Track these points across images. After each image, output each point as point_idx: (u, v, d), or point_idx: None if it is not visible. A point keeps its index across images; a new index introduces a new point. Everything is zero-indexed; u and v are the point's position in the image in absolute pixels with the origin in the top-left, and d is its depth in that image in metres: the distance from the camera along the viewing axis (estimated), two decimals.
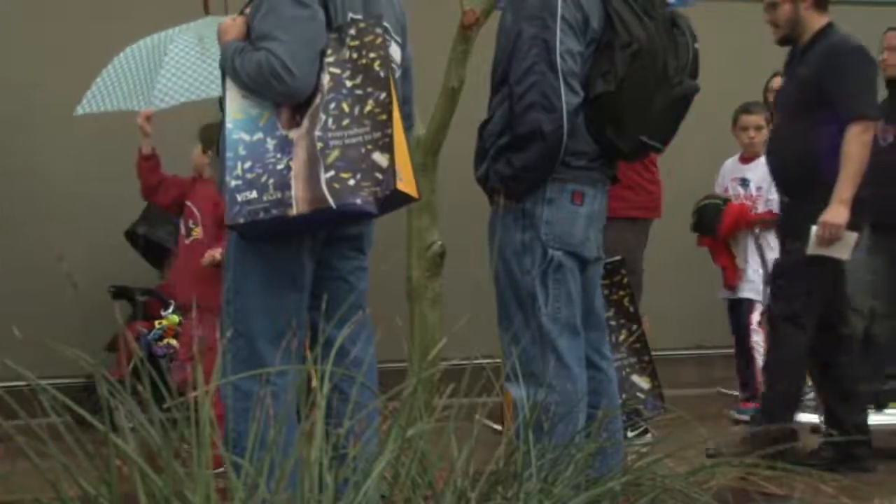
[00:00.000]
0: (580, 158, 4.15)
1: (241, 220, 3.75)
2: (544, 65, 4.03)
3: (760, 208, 7.80)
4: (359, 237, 4.12)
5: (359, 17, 3.92)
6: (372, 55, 3.81)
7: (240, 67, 3.81)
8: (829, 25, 6.03)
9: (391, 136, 3.75)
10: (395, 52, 4.12)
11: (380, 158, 3.73)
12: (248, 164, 3.78)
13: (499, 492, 3.25)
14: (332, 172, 3.73)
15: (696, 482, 3.55)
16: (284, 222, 3.75)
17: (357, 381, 3.52)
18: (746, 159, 7.95)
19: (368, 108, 3.78)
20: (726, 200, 7.85)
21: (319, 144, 3.76)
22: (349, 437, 3.05)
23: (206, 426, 2.82)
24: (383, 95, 3.78)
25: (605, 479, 3.56)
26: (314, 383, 3.05)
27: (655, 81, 4.15)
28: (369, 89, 3.79)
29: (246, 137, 3.80)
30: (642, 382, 6.13)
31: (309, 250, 3.96)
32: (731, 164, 8.07)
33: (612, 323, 6.09)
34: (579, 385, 4.11)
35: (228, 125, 3.82)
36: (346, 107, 3.79)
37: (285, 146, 3.78)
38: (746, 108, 7.94)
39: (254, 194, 3.75)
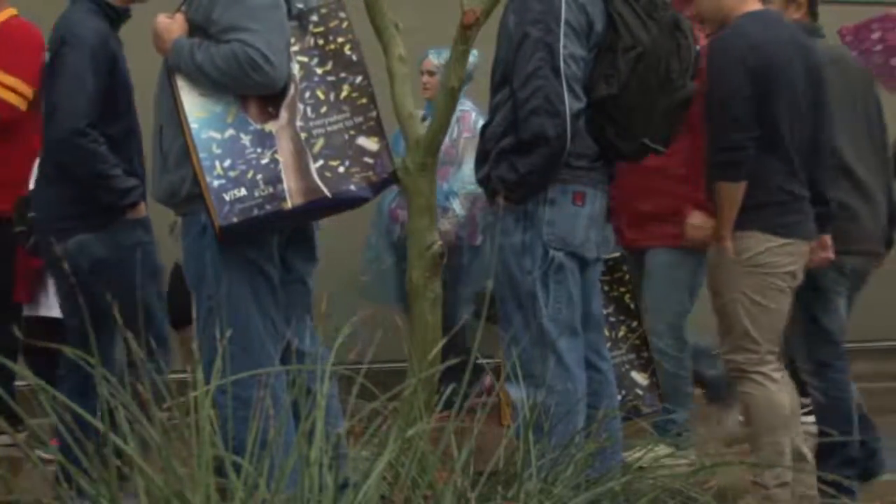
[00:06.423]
0: (582, 159, 4.14)
1: (235, 220, 3.65)
2: (548, 69, 4.02)
3: None
4: (313, 238, 4.01)
5: (314, 3, 3.82)
6: (340, 40, 3.76)
7: (205, 62, 3.68)
8: None
9: (376, 119, 3.71)
10: None
11: (366, 143, 3.70)
12: (227, 162, 3.68)
13: (499, 492, 3.25)
14: (320, 161, 3.69)
15: (696, 482, 3.56)
16: (280, 216, 3.69)
17: (357, 382, 3.51)
18: None
19: (345, 93, 3.74)
20: None
21: (303, 135, 3.71)
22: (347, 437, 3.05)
23: (206, 426, 2.82)
24: (359, 79, 3.73)
25: (605, 478, 3.57)
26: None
27: (658, 84, 4.14)
28: (342, 74, 3.75)
29: (217, 135, 3.70)
30: (641, 379, 6.12)
31: (275, 247, 3.85)
32: None
33: (612, 319, 6.09)
34: (579, 386, 4.10)
35: (193, 125, 3.69)
36: (320, 94, 3.74)
37: (264, 140, 3.71)
38: None
39: (243, 191, 3.66)
